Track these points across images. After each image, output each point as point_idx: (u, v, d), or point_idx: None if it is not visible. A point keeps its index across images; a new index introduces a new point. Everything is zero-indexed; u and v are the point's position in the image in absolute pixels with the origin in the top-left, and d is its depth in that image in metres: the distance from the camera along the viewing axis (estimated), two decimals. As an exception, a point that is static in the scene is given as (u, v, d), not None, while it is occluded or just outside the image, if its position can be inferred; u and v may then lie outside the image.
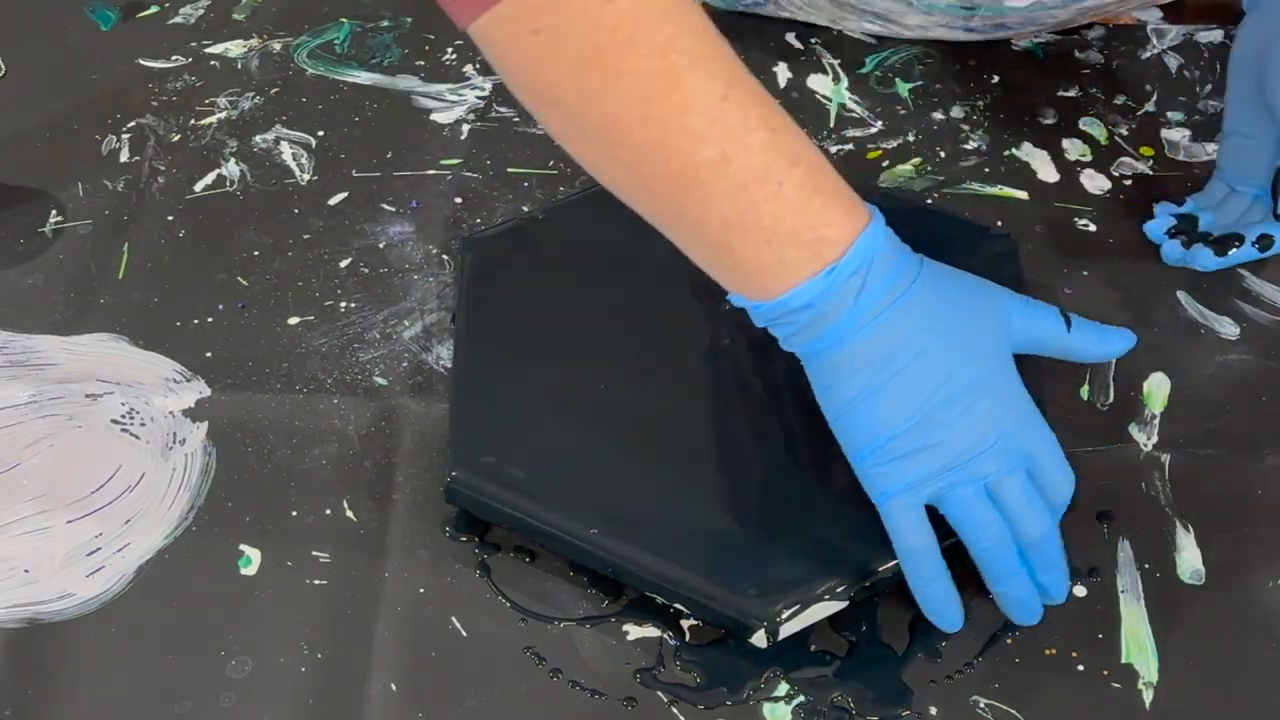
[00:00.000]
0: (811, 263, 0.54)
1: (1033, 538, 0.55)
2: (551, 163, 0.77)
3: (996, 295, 0.58)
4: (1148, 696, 0.56)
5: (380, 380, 0.67)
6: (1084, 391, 0.66)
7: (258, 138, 0.78)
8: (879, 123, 0.79)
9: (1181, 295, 0.70)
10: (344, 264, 0.72)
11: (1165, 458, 0.64)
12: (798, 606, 0.55)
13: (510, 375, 0.63)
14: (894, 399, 0.55)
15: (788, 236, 0.54)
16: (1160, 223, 0.71)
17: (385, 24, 0.85)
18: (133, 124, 0.79)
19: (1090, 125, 0.78)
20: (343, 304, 0.70)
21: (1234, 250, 0.69)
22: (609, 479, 0.60)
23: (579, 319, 0.66)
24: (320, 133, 0.78)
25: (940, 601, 0.56)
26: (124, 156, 0.77)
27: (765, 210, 0.53)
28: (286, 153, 0.78)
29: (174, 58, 0.83)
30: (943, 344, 0.55)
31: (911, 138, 0.78)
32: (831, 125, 0.79)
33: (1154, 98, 0.80)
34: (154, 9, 0.86)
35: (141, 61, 0.83)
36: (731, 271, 0.56)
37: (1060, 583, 0.57)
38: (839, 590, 0.56)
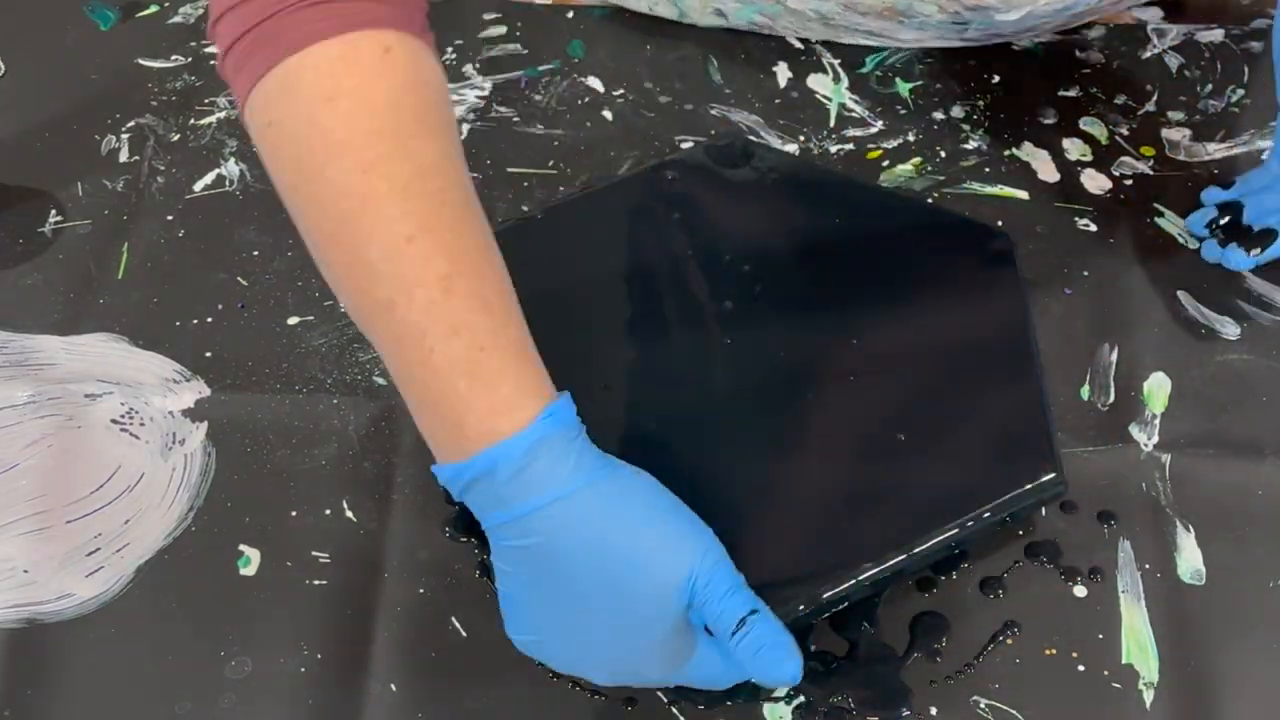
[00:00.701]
0: (449, 451, 0.50)
1: None
2: (551, 163, 0.77)
3: (691, 537, 0.51)
4: (1148, 696, 0.56)
5: (380, 380, 0.67)
6: (1084, 391, 0.66)
7: (257, 138, 0.78)
8: (879, 123, 0.79)
9: (1182, 295, 0.70)
10: (344, 264, 0.72)
11: (1165, 458, 0.64)
12: (800, 609, 0.55)
13: None
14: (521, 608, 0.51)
15: (430, 410, 0.50)
16: (1203, 214, 0.70)
17: (385, 24, 0.84)
18: (132, 124, 0.79)
19: (1090, 125, 0.78)
20: (342, 304, 0.70)
21: (1267, 248, 0.67)
22: None
23: (578, 320, 0.66)
24: (320, 133, 0.78)
25: None
26: (124, 156, 0.77)
27: (415, 374, 0.50)
28: (286, 153, 0.77)
29: (174, 57, 0.83)
30: (594, 578, 0.49)
31: (911, 138, 0.78)
32: (831, 125, 0.79)
33: (1154, 98, 0.80)
34: (154, 9, 0.86)
35: (141, 61, 0.83)
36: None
37: None
38: (835, 591, 0.56)
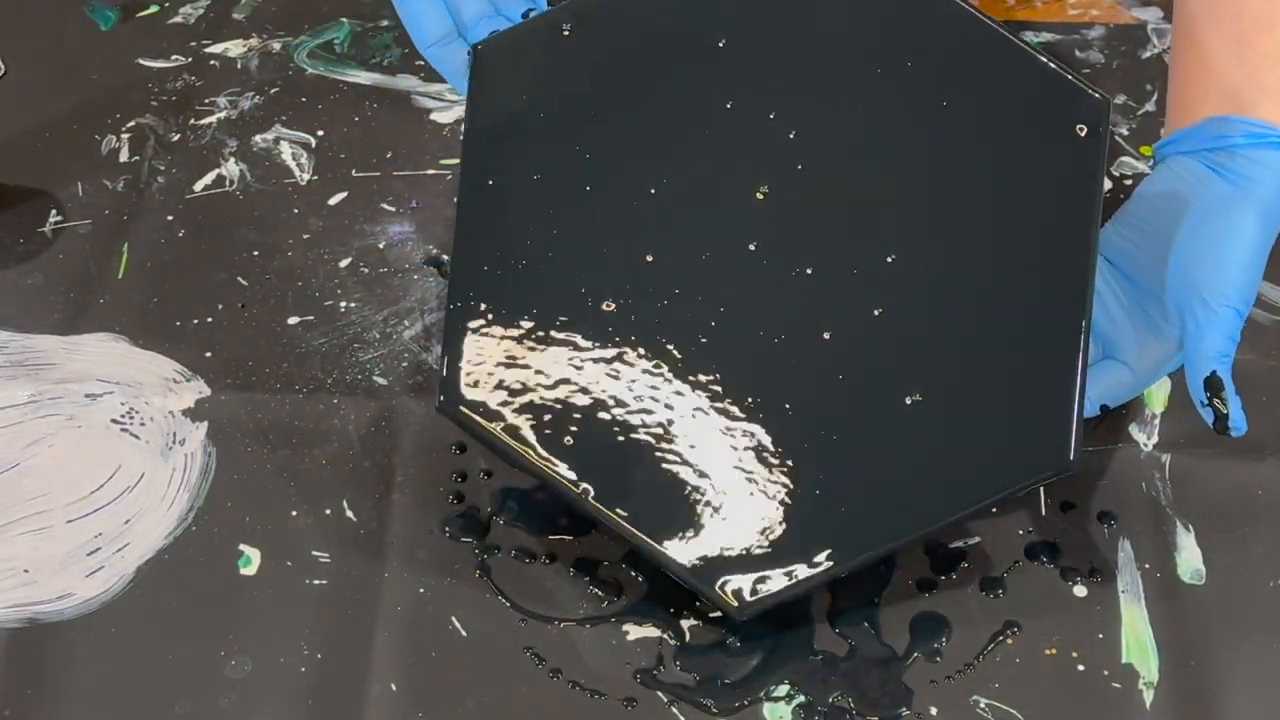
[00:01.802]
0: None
1: None
2: (551, 163, 0.77)
3: None
4: (1148, 696, 0.56)
5: (380, 380, 0.67)
6: (1084, 391, 0.66)
7: (257, 137, 0.78)
8: (879, 123, 0.79)
9: (1182, 295, 0.70)
10: (344, 264, 0.72)
11: (1165, 458, 0.64)
12: (768, 594, 0.55)
13: (514, 273, 0.57)
14: None
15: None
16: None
17: (385, 24, 0.85)
18: (133, 124, 0.79)
19: (1090, 125, 0.78)
20: (343, 304, 0.70)
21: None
22: (607, 425, 0.56)
23: (602, 185, 0.58)
24: (320, 133, 0.78)
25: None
26: (124, 156, 0.77)
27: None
28: (286, 152, 0.78)
29: (174, 57, 0.83)
30: None
31: (911, 138, 0.78)
32: (831, 125, 0.79)
33: (1154, 97, 0.80)
34: (154, 9, 0.86)
35: (141, 61, 0.83)
36: None
37: None
38: (810, 575, 0.55)
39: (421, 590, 0.59)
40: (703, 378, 0.57)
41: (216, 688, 0.57)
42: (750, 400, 0.57)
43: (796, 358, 0.57)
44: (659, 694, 0.56)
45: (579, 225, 0.58)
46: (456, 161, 0.76)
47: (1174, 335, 0.59)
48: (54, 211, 0.75)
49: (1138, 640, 0.58)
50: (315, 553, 0.61)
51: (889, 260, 0.57)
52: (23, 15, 0.85)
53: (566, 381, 0.57)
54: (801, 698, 0.56)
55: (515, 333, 0.57)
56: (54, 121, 0.79)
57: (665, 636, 0.58)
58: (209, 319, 0.69)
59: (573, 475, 0.57)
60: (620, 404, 0.57)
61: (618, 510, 0.56)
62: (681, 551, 0.56)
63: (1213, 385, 0.57)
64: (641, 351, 0.57)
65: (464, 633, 0.58)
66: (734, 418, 0.57)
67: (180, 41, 0.84)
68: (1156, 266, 0.60)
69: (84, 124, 0.79)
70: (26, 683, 0.57)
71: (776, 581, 0.56)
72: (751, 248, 0.57)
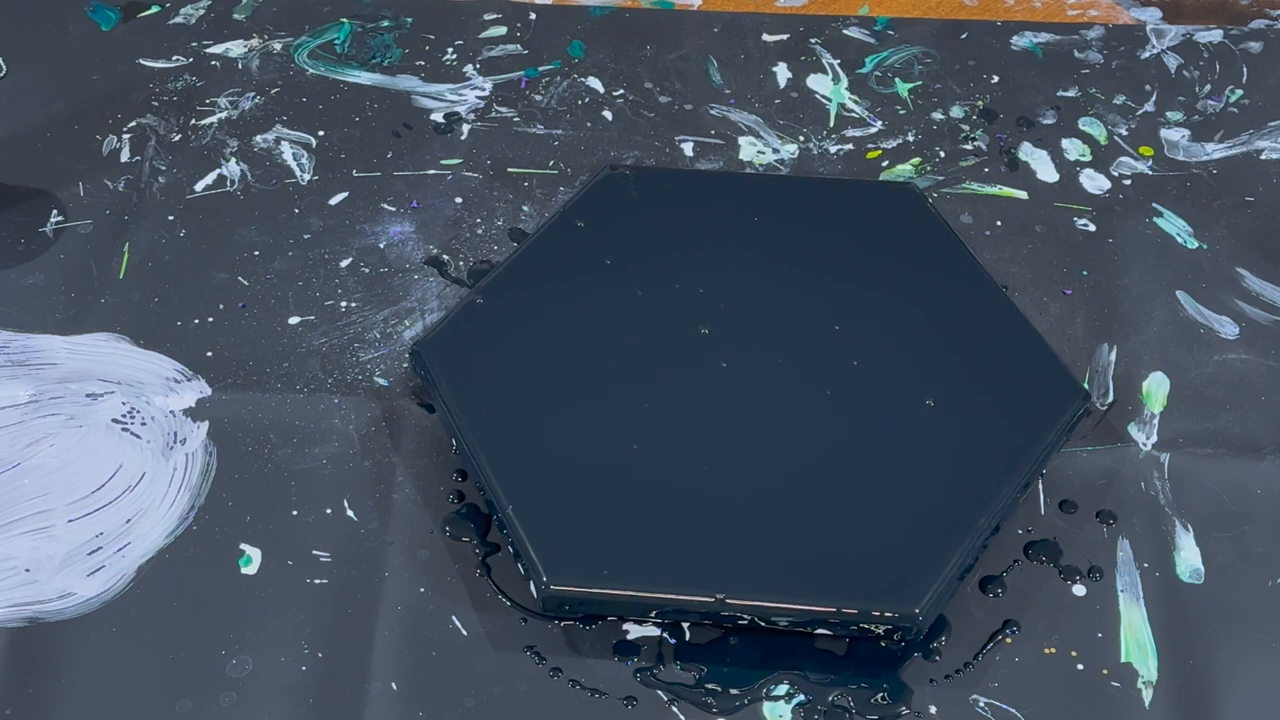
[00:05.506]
0: None
1: None
2: (551, 163, 0.77)
3: None
4: (1147, 696, 0.56)
5: (380, 380, 0.67)
6: (1083, 391, 0.66)
7: (258, 138, 0.78)
8: (879, 123, 0.79)
9: (1181, 295, 0.70)
10: (344, 264, 0.72)
11: (1165, 458, 0.64)
12: (940, 586, 0.56)
13: (542, 461, 0.60)
14: None
15: None
16: None
17: (385, 24, 0.85)
18: (133, 124, 0.79)
19: (1090, 125, 0.79)
20: (343, 304, 0.70)
21: None
22: (694, 536, 0.58)
23: (573, 376, 0.63)
24: (320, 133, 0.79)
25: None
26: (124, 156, 0.77)
27: None
28: (287, 153, 0.78)
29: (174, 58, 0.83)
30: None
31: (911, 138, 0.78)
32: (831, 125, 0.79)
33: (1153, 98, 0.80)
34: (154, 9, 0.86)
35: (142, 61, 0.83)
36: None
37: None
38: (969, 559, 0.57)
39: (421, 590, 0.60)
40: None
41: (217, 687, 0.57)
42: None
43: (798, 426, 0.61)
44: (659, 693, 0.56)
45: (581, 411, 0.62)
46: (457, 161, 0.77)
47: None
48: (55, 211, 0.75)
49: (1136, 639, 0.58)
50: (316, 552, 0.61)
51: (835, 328, 0.64)
52: (23, 15, 0.85)
53: (628, 516, 0.58)
54: (801, 697, 0.56)
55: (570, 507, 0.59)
56: (54, 121, 0.79)
57: (665, 636, 0.58)
58: (210, 319, 0.70)
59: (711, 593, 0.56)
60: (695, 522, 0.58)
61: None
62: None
63: None
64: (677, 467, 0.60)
65: (464, 632, 0.58)
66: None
67: (181, 42, 0.84)
68: None
69: (85, 124, 0.79)
70: (27, 683, 0.57)
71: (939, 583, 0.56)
72: (723, 365, 0.63)
